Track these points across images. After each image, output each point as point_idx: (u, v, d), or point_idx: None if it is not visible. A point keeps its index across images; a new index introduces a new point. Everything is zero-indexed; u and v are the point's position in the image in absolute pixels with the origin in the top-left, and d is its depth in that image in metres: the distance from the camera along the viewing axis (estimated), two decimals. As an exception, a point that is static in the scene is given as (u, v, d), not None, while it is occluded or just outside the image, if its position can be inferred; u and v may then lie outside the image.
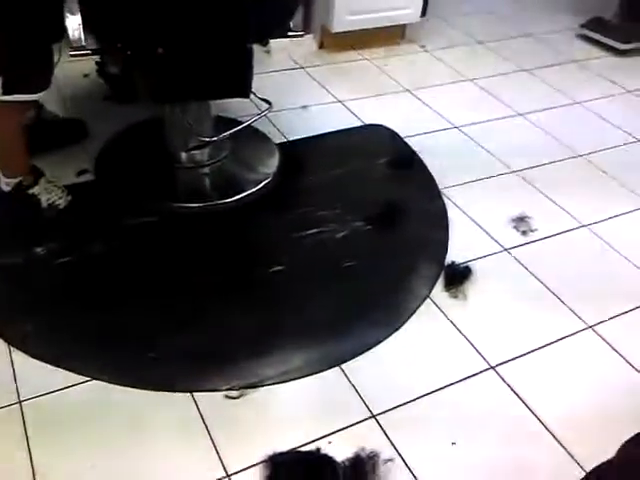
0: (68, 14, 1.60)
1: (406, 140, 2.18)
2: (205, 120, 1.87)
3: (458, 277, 1.64)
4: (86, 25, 1.60)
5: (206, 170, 1.93)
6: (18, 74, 1.44)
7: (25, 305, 1.50)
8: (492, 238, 1.81)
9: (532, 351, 1.48)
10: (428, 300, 1.59)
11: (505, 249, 1.77)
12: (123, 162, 1.96)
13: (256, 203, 1.84)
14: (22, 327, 1.43)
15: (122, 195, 1.81)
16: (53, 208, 1.68)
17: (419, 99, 2.45)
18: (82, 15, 1.56)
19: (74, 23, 1.61)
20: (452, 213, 1.88)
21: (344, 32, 2.63)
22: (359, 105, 2.36)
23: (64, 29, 1.63)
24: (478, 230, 1.83)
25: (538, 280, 1.68)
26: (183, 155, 1.90)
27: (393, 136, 2.21)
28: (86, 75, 2.29)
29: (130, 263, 1.62)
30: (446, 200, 1.93)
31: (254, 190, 1.87)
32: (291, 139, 2.13)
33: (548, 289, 1.65)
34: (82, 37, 1.65)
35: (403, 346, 1.47)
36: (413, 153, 2.12)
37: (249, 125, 1.88)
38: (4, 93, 1.44)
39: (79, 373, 1.34)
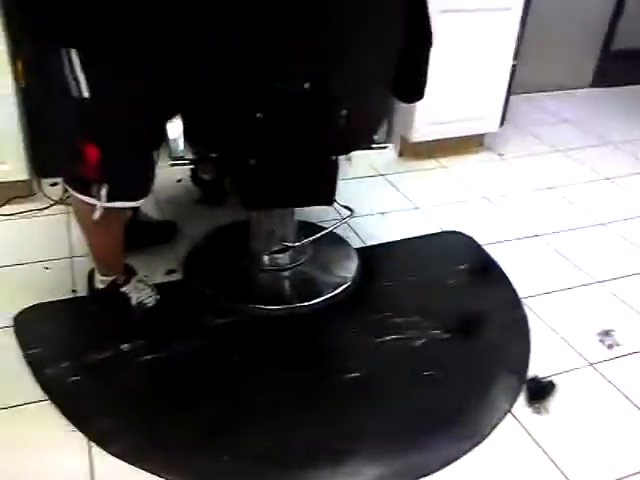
0: (170, 125, 1.73)
1: (485, 247, 2.19)
2: (288, 225, 1.95)
3: (541, 392, 1.59)
4: (186, 136, 1.72)
5: (287, 273, 1.98)
6: (122, 182, 1.53)
7: (107, 401, 1.54)
8: (576, 351, 1.75)
9: (622, 478, 1.39)
10: (509, 415, 1.53)
11: (590, 363, 1.71)
12: (209, 263, 2.05)
13: (334, 307, 1.87)
14: (103, 424, 1.46)
15: (206, 295, 1.89)
16: (142, 306, 1.76)
17: (497, 206, 2.48)
18: (183, 127, 1.69)
19: (175, 134, 1.74)
20: (533, 324, 1.84)
21: (423, 141, 2.72)
22: (437, 212, 2.41)
23: (165, 138, 1.77)
24: (561, 342, 1.78)
25: (626, 397, 1.60)
26: (265, 258, 1.97)
27: (471, 243, 2.22)
28: (179, 180, 2.46)
29: (209, 363, 1.66)
30: (527, 310, 1.90)
31: (333, 294, 1.90)
32: (369, 244, 2.18)
33: (637, 407, 1.57)
34: (181, 147, 1.78)
35: (484, 463, 1.41)
36: (492, 261, 2.12)
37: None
38: (108, 200, 1.51)
39: (157, 474, 1.35)
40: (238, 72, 1.46)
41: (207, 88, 1.49)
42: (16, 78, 2.10)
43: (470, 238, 2.24)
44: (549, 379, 1.63)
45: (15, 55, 2.07)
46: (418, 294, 1.95)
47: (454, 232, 2.28)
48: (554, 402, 1.57)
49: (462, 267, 2.08)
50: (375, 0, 1.47)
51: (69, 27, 1.34)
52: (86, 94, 1.38)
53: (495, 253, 2.16)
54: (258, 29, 1.39)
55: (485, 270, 2.08)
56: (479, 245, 2.21)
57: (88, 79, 1.37)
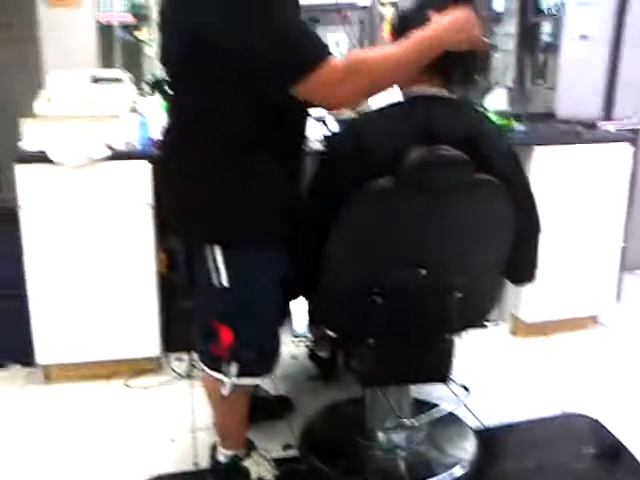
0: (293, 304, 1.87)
1: (611, 430, 2.07)
2: (404, 402, 1.96)
3: None
4: (308, 315, 1.85)
5: (402, 453, 1.95)
6: (251, 361, 1.62)
7: None
8: None
9: None
10: None
11: None
12: (324, 439, 2.06)
13: (452, 490, 1.81)
14: None
15: (322, 472, 1.88)
16: (260, 482, 1.78)
17: (618, 386, 2.37)
18: (306, 307, 1.82)
19: (298, 313, 1.88)
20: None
21: (535, 321, 2.72)
22: (555, 391, 2.34)
23: (289, 316, 1.89)
24: None
25: None
26: (380, 435, 1.97)
27: (596, 425, 2.11)
28: (294, 357, 2.57)
29: None
30: (666, 503, 1.75)
31: (447, 476, 1.85)
32: (487, 424, 2.13)
33: None
34: (303, 326, 1.91)
35: None
36: (621, 445, 1.99)
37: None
38: (237, 377, 1.61)
39: None
40: (358, 266, 1.60)
41: (330, 276, 1.61)
42: (159, 266, 2.38)
43: (595, 420, 2.14)
44: None
45: (159, 246, 2.37)
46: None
47: (577, 414, 2.19)
48: None
49: (588, 451, 1.97)
50: (488, 213, 1.61)
51: (216, 229, 1.53)
52: (225, 283, 1.53)
53: (624, 437, 2.03)
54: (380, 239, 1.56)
55: (614, 455, 1.95)
56: (605, 427, 2.09)
57: (228, 271, 1.53)
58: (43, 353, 2.35)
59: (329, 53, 1.36)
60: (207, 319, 1.61)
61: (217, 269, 1.52)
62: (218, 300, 1.57)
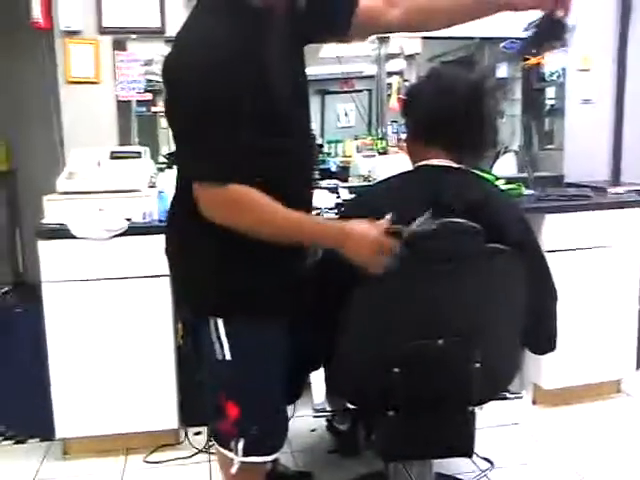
0: (312, 377, 1.85)
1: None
2: (426, 477, 1.91)
3: None
4: (327, 388, 1.83)
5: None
6: (257, 438, 1.56)
7: None
8: None
9: None
10: None
11: None
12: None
13: None
14: None
15: None
16: None
17: (647, 457, 2.32)
18: (325, 379, 1.81)
19: (318, 386, 1.86)
20: None
21: (557, 388, 2.68)
22: (578, 462, 2.28)
23: (301, 392, 1.85)
24: None
25: None
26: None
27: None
28: (313, 430, 2.53)
29: None
30: None
31: None
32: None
33: None
34: (322, 399, 1.89)
35: None
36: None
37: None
38: (244, 455, 1.55)
39: None
40: (375, 337, 1.59)
41: (348, 347, 1.60)
42: (177, 337, 2.39)
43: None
44: None
45: (177, 317, 2.38)
46: None
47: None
48: None
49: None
50: (502, 282, 1.60)
51: (218, 301, 1.51)
52: (228, 357, 1.50)
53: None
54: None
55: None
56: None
57: (231, 344, 1.49)
58: (62, 426, 2.34)
59: (227, 178, 1.34)
60: (214, 394, 1.58)
61: (220, 342, 1.50)
62: (223, 374, 1.54)
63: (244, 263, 1.47)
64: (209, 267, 1.50)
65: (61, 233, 2.22)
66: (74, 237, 2.22)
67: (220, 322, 1.50)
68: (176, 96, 1.35)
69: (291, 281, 1.55)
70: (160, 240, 2.22)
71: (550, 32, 1.43)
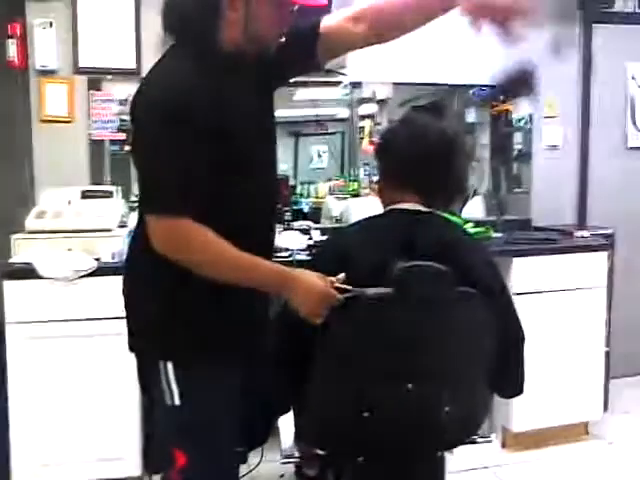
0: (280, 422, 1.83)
1: None
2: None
3: None
4: (295, 433, 1.81)
5: None
6: None
7: None
8: None
9: None
10: None
11: None
12: None
13: None
14: None
15: None
16: None
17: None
18: (294, 424, 1.78)
19: (286, 431, 1.84)
20: None
21: (526, 431, 2.69)
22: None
23: (268, 437, 1.82)
24: None
25: None
26: None
27: None
28: (282, 475, 2.47)
29: None
30: None
31: None
32: None
33: None
34: (290, 444, 1.86)
35: None
36: None
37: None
38: None
39: None
40: (344, 381, 1.58)
41: (316, 392, 1.58)
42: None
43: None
44: None
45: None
46: None
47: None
48: None
49: None
50: (471, 324, 1.61)
51: (167, 345, 1.47)
52: (177, 402, 1.45)
53: None
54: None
55: None
56: None
57: (180, 389, 1.45)
58: (21, 473, 2.26)
59: (180, 211, 1.34)
60: (164, 439, 1.54)
61: (170, 387, 1.46)
62: (171, 420, 1.50)
63: (196, 302, 1.45)
64: (160, 306, 1.47)
65: (27, 273, 2.19)
66: (41, 277, 2.19)
67: (170, 365, 1.46)
68: (138, 131, 1.39)
69: (247, 322, 1.53)
70: (129, 281, 2.25)
71: (519, 83, 1.47)
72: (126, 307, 1.60)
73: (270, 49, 1.48)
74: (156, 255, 1.39)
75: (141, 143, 1.39)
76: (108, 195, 2.59)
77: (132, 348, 1.61)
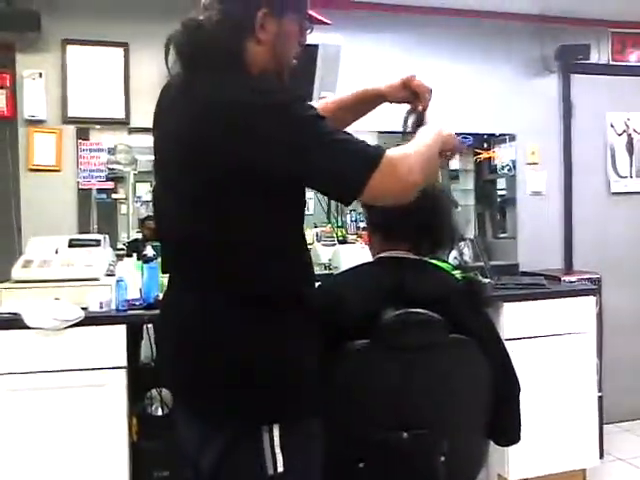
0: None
1: None
2: None
3: None
4: None
5: None
6: None
7: None
8: None
9: None
10: None
11: None
12: None
13: None
14: None
15: None
16: None
17: None
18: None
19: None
20: None
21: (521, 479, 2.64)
22: None
23: None
24: None
25: None
26: None
27: None
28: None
29: None
30: None
31: None
32: None
33: None
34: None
35: None
36: None
37: None
38: None
39: None
40: (338, 431, 1.52)
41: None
42: (132, 432, 2.28)
43: None
44: None
45: (131, 412, 2.29)
46: None
47: None
48: None
49: None
50: (465, 372, 1.60)
51: (277, 403, 1.28)
52: (280, 469, 1.26)
53: None
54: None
55: None
56: None
57: (285, 453, 1.26)
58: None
59: (382, 148, 1.28)
60: None
61: (274, 454, 1.26)
62: None
63: (307, 351, 1.32)
64: (273, 359, 1.27)
65: (13, 323, 2.15)
66: (27, 327, 2.15)
67: (276, 428, 1.26)
68: (294, 134, 1.24)
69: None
70: (117, 330, 2.22)
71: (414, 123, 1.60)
72: (211, 373, 1.29)
73: (288, 73, 1.43)
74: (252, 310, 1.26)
75: (307, 137, 1.25)
76: (95, 244, 2.57)
77: (206, 416, 1.32)
